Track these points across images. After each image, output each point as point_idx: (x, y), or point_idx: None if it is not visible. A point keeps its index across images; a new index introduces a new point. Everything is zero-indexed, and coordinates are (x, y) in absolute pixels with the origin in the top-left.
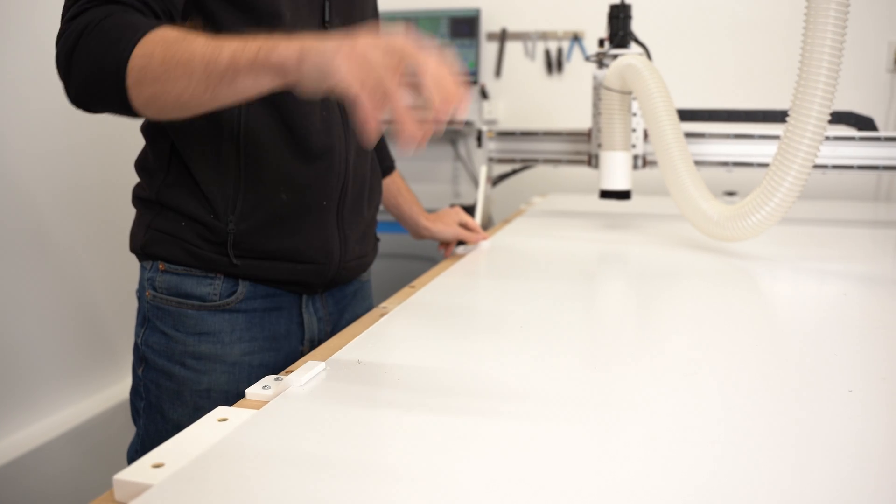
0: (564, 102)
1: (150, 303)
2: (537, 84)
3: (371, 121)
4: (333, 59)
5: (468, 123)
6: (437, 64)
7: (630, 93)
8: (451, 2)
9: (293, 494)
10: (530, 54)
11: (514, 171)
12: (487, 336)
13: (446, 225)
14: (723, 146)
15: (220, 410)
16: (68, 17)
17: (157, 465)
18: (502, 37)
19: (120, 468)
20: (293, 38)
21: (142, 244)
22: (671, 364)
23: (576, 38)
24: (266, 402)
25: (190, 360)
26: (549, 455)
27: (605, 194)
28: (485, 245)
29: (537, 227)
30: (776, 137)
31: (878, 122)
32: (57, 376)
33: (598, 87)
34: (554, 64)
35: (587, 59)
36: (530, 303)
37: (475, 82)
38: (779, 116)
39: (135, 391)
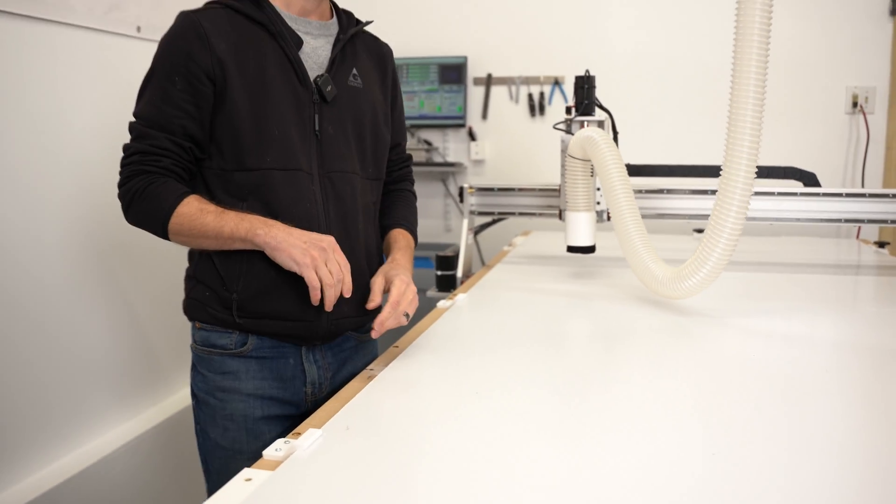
0: (546, 142)
1: (195, 353)
2: (521, 126)
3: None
4: (287, 247)
5: (456, 164)
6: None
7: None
8: (440, 50)
9: None
10: (514, 98)
11: (494, 221)
12: (464, 399)
13: (381, 281)
14: (684, 201)
15: (246, 472)
16: (122, 176)
17: None
18: (488, 82)
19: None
20: (268, 226)
21: (185, 309)
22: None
23: (556, 83)
24: (278, 461)
25: (218, 392)
26: None
27: (571, 249)
28: (462, 299)
29: (513, 276)
30: None
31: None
32: (116, 397)
33: (565, 151)
34: (536, 107)
35: (555, 127)
36: (502, 362)
37: (463, 125)
38: None
39: (195, 417)
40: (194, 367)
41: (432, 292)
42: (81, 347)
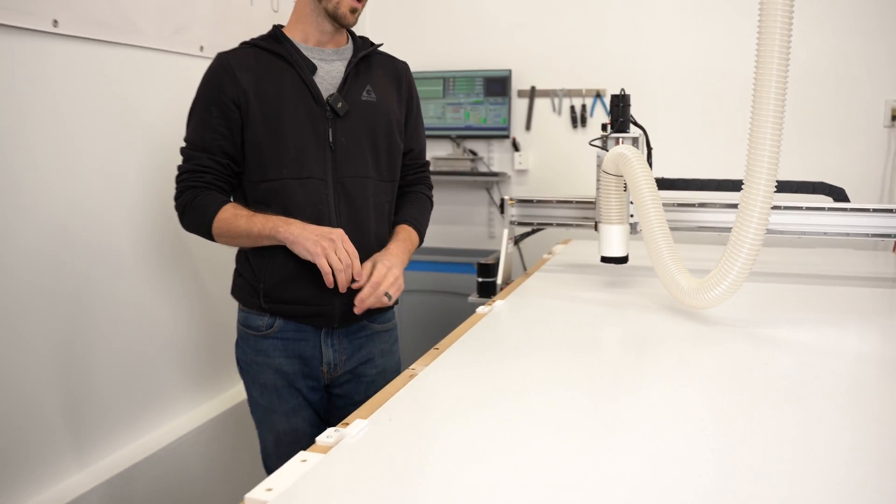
0: (587, 153)
1: (238, 330)
2: (563, 137)
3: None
4: (302, 241)
5: (500, 174)
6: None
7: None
8: (485, 63)
9: None
10: (557, 110)
11: (533, 231)
12: (497, 397)
13: (369, 266)
14: (717, 215)
15: (302, 454)
16: (176, 192)
17: (269, 490)
18: (531, 94)
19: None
20: (288, 224)
21: (232, 293)
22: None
23: (598, 96)
24: (329, 446)
25: (253, 365)
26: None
27: (605, 259)
28: (500, 305)
29: (550, 284)
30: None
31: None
32: (185, 386)
33: (600, 166)
34: (578, 118)
35: (591, 143)
36: (534, 365)
37: (507, 136)
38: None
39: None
40: (237, 342)
41: (473, 298)
42: (161, 337)
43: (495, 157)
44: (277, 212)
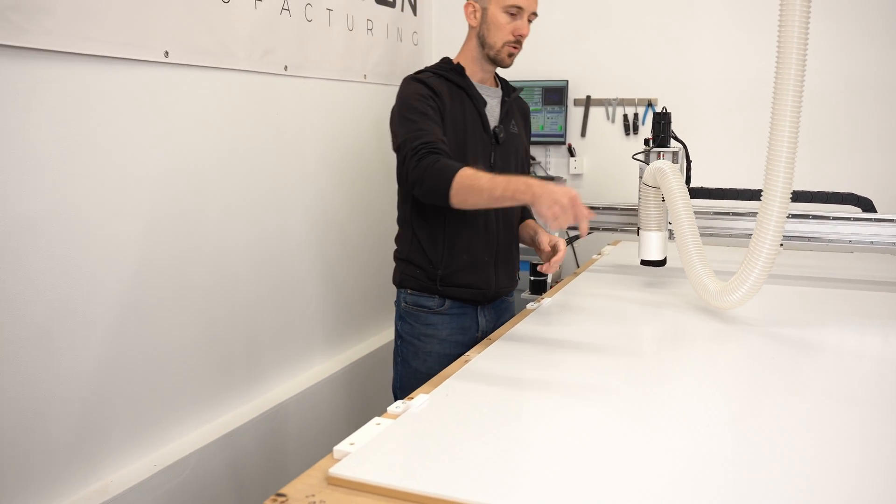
0: None
1: (403, 309)
2: (616, 143)
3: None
4: (540, 203)
5: (556, 178)
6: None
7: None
8: (544, 74)
9: (416, 460)
10: (611, 118)
11: (580, 236)
12: (537, 380)
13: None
14: (748, 222)
15: (376, 419)
16: (414, 162)
17: (352, 444)
18: (587, 103)
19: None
20: (527, 182)
21: (398, 281)
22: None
23: (649, 105)
24: (398, 414)
25: (422, 336)
26: (587, 476)
27: (644, 262)
28: (547, 301)
29: (595, 283)
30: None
31: None
32: (323, 340)
33: (642, 178)
34: (631, 126)
35: (634, 157)
36: (572, 353)
37: (563, 142)
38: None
39: (396, 352)
40: (403, 318)
41: (526, 294)
42: (316, 301)
43: (552, 161)
44: (453, 214)
